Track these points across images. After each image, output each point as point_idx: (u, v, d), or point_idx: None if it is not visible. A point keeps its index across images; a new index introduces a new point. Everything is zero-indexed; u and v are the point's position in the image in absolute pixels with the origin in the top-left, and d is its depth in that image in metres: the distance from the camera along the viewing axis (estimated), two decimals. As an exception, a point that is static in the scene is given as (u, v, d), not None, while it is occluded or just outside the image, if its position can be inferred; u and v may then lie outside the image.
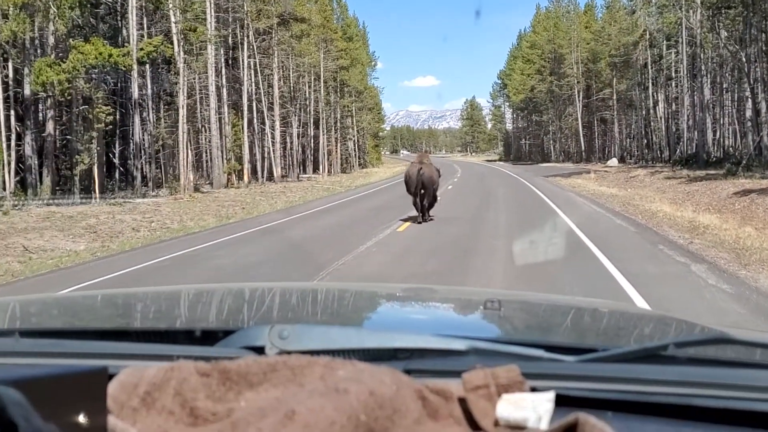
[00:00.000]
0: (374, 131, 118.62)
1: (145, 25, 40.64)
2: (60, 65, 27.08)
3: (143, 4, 36.03)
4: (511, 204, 26.84)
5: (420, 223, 19.52)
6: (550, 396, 1.09)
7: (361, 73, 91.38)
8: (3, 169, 28.98)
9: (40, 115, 30.12)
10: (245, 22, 47.93)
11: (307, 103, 70.21)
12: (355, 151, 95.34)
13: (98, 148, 29.60)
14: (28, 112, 31.48)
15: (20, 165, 33.68)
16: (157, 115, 45.36)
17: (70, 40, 27.83)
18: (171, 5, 36.04)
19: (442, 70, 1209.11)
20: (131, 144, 35.92)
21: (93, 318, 2.33)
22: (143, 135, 37.69)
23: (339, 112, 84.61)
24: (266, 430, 0.92)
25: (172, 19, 36.36)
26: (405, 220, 20.05)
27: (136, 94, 34.68)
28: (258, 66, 51.93)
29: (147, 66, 40.12)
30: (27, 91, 30.02)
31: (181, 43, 36.05)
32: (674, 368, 1.35)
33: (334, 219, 23.21)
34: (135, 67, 33.84)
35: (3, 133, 29.79)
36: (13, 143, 30.30)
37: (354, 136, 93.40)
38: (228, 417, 1.01)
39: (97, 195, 29.31)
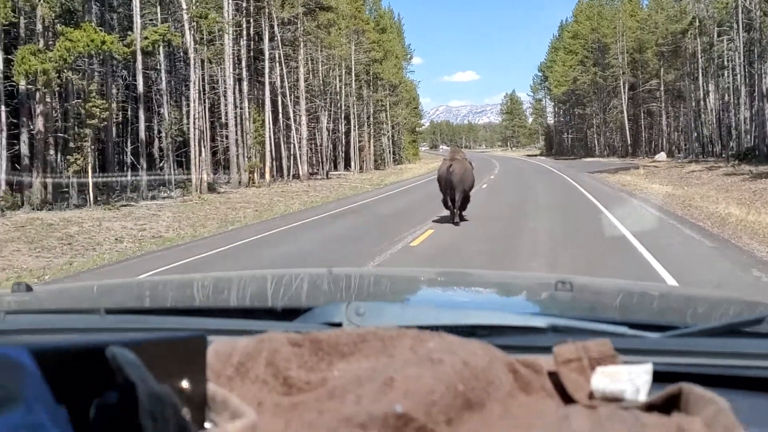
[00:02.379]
0: (411, 126, 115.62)
1: (159, 14, 37.91)
2: (46, 53, 24.20)
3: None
4: (552, 208, 23.27)
5: (457, 224, 17.77)
6: (648, 368, 1.08)
7: (395, 66, 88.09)
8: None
9: (36, 110, 27.25)
10: (266, 10, 44.78)
11: (338, 97, 67.01)
12: (389, 146, 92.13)
13: (93, 147, 26.69)
14: (22, 107, 28.71)
15: (17, 166, 31.08)
16: (178, 109, 42.62)
17: (58, 25, 24.88)
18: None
19: (483, 65, 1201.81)
20: (133, 142, 33.00)
21: (173, 298, 2.42)
22: (153, 131, 34.94)
23: (372, 107, 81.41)
24: (366, 397, 0.93)
25: (183, 5, 33.42)
26: (425, 230, 16.81)
27: (141, 87, 31.77)
28: (282, 58, 48.82)
29: (161, 57, 37.39)
30: (22, 85, 27.27)
31: (192, 32, 33.05)
32: (759, 341, 1.36)
33: (345, 225, 20.06)
34: (139, 57, 30.99)
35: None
36: (3, 142, 27.57)
37: (388, 132, 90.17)
38: (322, 386, 1.02)
39: (91, 198, 26.40)
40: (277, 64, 49.16)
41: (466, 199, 19.20)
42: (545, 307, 2.20)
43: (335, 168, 70.26)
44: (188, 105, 35.56)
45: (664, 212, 20.24)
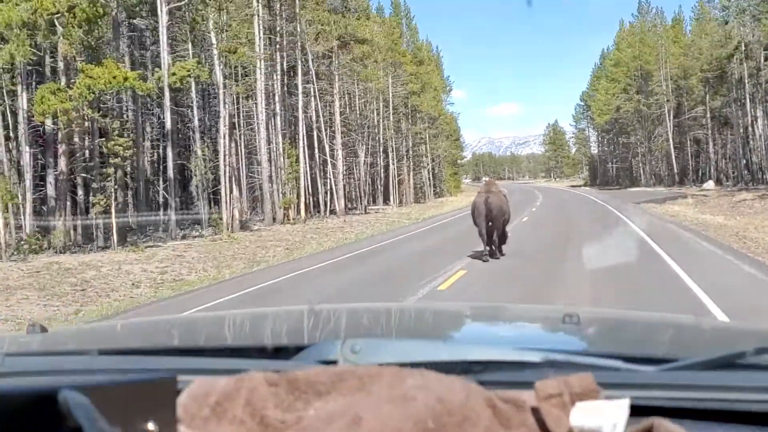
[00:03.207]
0: (452, 159, 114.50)
1: (191, 50, 37.33)
2: (66, 92, 23.50)
3: (176, 25, 32.63)
4: (597, 242, 21.78)
5: (486, 261, 17.08)
6: (625, 403, 1.07)
7: (434, 99, 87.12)
8: (19, 212, 25.69)
9: (59, 150, 26.55)
10: (298, 43, 44.11)
11: (376, 130, 66.08)
12: (429, 179, 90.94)
13: (120, 186, 25.86)
14: (48, 148, 28.11)
15: (44, 208, 30.50)
16: (213, 146, 42.02)
17: (78, 62, 24.20)
18: (211, 24, 32.41)
19: (525, 96, 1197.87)
20: (165, 180, 32.22)
21: (170, 338, 2.39)
22: (190, 169, 34.22)
23: (411, 140, 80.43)
24: None
25: (213, 40, 32.76)
26: (457, 269, 15.53)
27: (169, 124, 31.03)
28: (317, 92, 48.06)
29: (192, 93, 36.79)
30: (48, 125, 26.67)
31: (221, 67, 32.33)
32: (756, 374, 1.34)
33: (373, 266, 18.79)
34: (167, 93, 30.28)
35: (25, 172, 26.67)
36: (29, 183, 26.94)
37: (428, 164, 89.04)
38: (297, 425, 1.03)
39: (115, 240, 25.54)
40: (313, 98, 48.46)
41: (503, 233, 18.50)
42: (546, 341, 2.24)
43: (374, 202, 69.24)
44: (217, 142, 34.73)
45: (719, 246, 18.71)
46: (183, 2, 32.67)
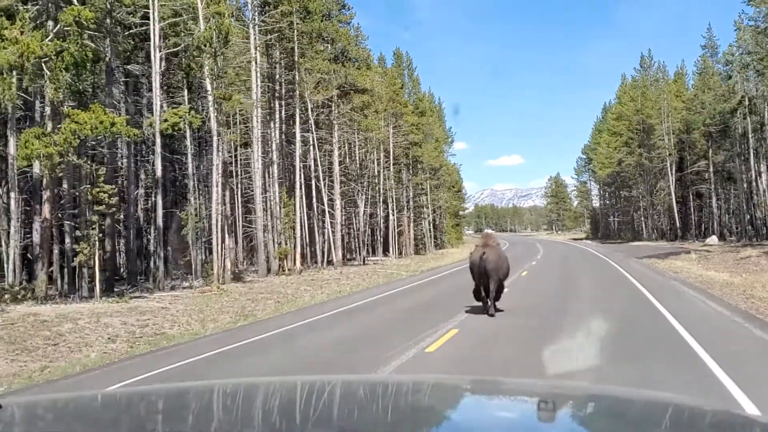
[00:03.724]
0: (454, 210, 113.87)
1: (187, 96, 36.77)
2: (51, 137, 22.79)
3: (173, 71, 32.12)
4: (598, 302, 20.81)
5: (492, 316, 16.79)
6: None
7: (436, 150, 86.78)
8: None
9: (43, 197, 25.76)
10: (297, 92, 43.64)
11: (376, 180, 65.44)
12: (430, 231, 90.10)
13: (100, 235, 24.99)
14: (35, 195, 27.32)
15: (30, 256, 29.65)
16: (209, 195, 41.31)
17: (63, 107, 23.54)
18: (207, 71, 31.87)
19: (527, 148, 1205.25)
20: (155, 229, 31.39)
21: (119, 418, 2.41)
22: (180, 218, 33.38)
23: (412, 190, 79.81)
24: None
25: (208, 87, 32.22)
26: (449, 328, 14.62)
27: (159, 171, 30.25)
28: (315, 141, 47.51)
29: (187, 141, 36.17)
30: (36, 170, 25.93)
31: (215, 114, 31.71)
32: None
33: (361, 323, 17.79)
34: (158, 140, 29.62)
35: (11, 219, 25.93)
36: (13, 231, 26.17)
37: (429, 216, 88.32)
38: None
39: (98, 290, 24.61)
40: (312, 147, 47.89)
41: (500, 288, 17.95)
42: (512, 428, 2.28)
43: (373, 253, 68.36)
44: (210, 190, 33.90)
45: (725, 306, 17.77)
46: (178, 49, 32.21)
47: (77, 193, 25.96)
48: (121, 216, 39.11)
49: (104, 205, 24.21)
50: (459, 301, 20.24)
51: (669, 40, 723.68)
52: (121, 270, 41.35)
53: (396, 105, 67.25)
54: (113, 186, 24.84)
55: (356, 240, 62.21)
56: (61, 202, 27.70)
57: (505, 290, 21.15)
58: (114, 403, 2.86)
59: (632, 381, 9.18)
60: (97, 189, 23.79)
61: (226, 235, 33.60)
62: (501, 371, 10.16)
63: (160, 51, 29.84)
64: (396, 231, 71.79)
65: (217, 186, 31.74)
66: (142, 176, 37.83)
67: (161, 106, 32.74)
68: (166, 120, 29.22)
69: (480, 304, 17.83)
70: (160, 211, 30.13)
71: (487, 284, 17.39)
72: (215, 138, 31.75)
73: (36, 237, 26.82)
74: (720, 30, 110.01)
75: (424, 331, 14.24)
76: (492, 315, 16.91)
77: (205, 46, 30.94)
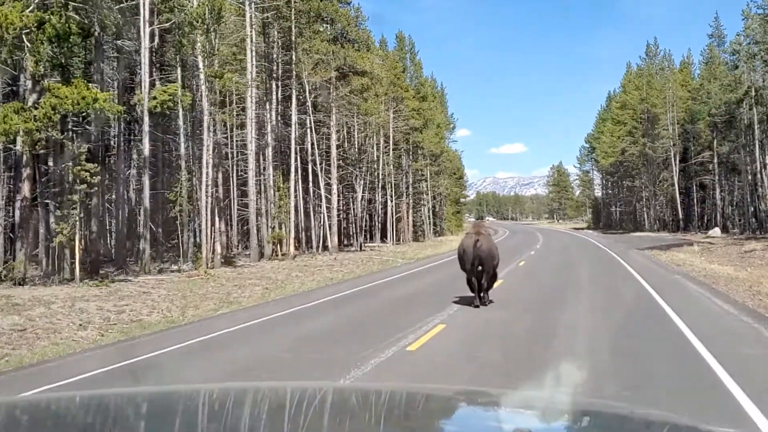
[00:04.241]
0: (454, 197, 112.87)
1: (179, 74, 35.69)
2: (31, 112, 21.81)
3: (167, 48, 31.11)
4: (597, 295, 19.82)
5: (477, 306, 16.23)
6: None
7: (437, 136, 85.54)
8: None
9: (23, 175, 24.76)
10: (293, 72, 42.56)
11: (375, 166, 64.33)
12: (429, 217, 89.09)
13: (82, 215, 24.05)
14: (19, 172, 26.33)
15: (11, 235, 28.74)
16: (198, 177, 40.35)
17: (44, 81, 22.54)
18: (199, 48, 30.82)
19: (530, 137, 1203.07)
20: (142, 210, 30.37)
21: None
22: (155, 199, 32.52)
23: (411, 176, 78.72)
24: None
25: (200, 65, 31.18)
26: (437, 323, 13.69)
27: (147, 150, 29.18)
28: (312, 123, 46.45)
29: (180, 121, 35.15)
30: (18, 147, 24.96)
31: (207, 93, 30.69)
32: None
33: (346, 314, 16.80)
34: (146, 118, 28.60)
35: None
36: (-6, 209, 25.24)
37: (428, 202, 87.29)
38: None
39: (77, 272, 23.69)
40: (309, 131, 46.83)
41: (493, 278, 17.31)
42: None
43: (371, 239, 67.44)
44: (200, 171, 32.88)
45: (732, 303, 16.81)
46: (168, 24, 31.15)
47: (60, 172, 24.96)
48: (112, 196, 38.25)
49: (86, 184, 23.21)
50: (451, 291, 19.42)
51: (676, 30, 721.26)
52: (113, 252, 40.53)
53: (397, 89, 66.11)
54: (96, 164, 23.78)
55: (354, 225, 61.20)
56: (45, 180, 26.73)
57: (500, 281, 20.31)
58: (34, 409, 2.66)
59: (631, 389, 8.25)
60: (79, 167, 22.79)
61: (217, 218, 32.69)
62: (484, 379, 9.21)
63: (149, 26, 28.78)
64: (394, 217, 70.82)
65: (207, 167, 30.75)
66: (135, 156, 36.79)
67: (153, 84, 31.81)
68: (155, 98, 28.23)
69: (470, 294, 17.10)
70: (147, 192, 29.13)
71: (480, 274, 16.69)
72: (206, 117, 30.77)
73: (17, 216, 25.92)
74: (727, 20, 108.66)
75: (410, 326, 13.31)
76: (482, 305, 16.43)
77: (197, 22, 29.93)
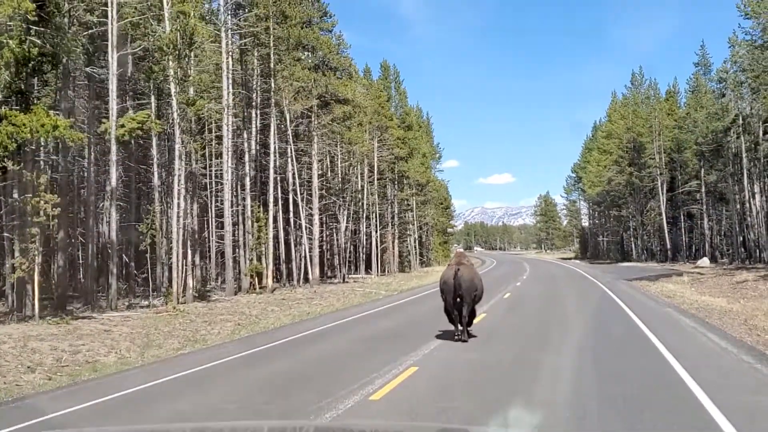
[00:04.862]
0: (441, 227, 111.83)
1: (154, 104, 34.58)
2: (-15, 140, 20.58)
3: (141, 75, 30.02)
4: (584, 332, 18.59)
5: (459, 339, 15.66)
6: None
7: (423, 165, 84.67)
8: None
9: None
10: (272, 99, 41.51)
11: (360, 195, 63.19)
12: (415, 248, 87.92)
13: (41, 249, 22.74)
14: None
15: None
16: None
17: (1, 108, 21.34)
18: (171, 74, 29.73)
19: (518, 167, 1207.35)
20: (108, 244, 29.09)
21: None
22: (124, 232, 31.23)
23: (397, 206, 77.64)
24: None
25: (172, 90, 30.07)
26: (408, 365, 12.45)
27: (113, 181, 27.97)
28: (293, 152, 45.34)
29: (153, 150, 34.00)
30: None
31: (178, 120, 29.56)
32: None
33: (312, 354, 15.40)
34: (113, 147, 27.46)
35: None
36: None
37: (414, 233, 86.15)
38: None
39: (36, 310, 22.33)
40: (289, 160, 45.69)
41: (472, 312, 16.53)
42: None
43: (356, 270, 66.18)
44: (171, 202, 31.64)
45: (729, 340, 15.64)
46: (137, 50, 30.11)
47: (17, 204, 23.69)
48: (82, 230, 36.90)
49: (46, 216, 21.93)
50: (431, 326, 18.39)
51: (661, 61, 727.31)
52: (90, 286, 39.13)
53: (381, 118, 65.24)
54: (56, 195, 22.52)
55: (337, 257, 59.94)
56: (5, 212, 25.43)
57: (483, 315, 19.24)
58: None
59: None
60: (37, 198, 21.54)
61: (190, 251, 31.36)
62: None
63: (117, 51, 27.66)
64: (380, 248, 69.63)
65: (178, 197, 29.53)
66: (108, 187, 35.58)
67: (125, 111, 30.67)
68: (123, 125, 27.03)
69: (452, 328, 16.22)
70: (114, 224, 27.85)
71: (461, 306, 15.81)
72: (177, 146, 29.57)
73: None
74: (713, 49, 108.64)
75: (378, 369, 12.06)
76: (465, 341, 15.54)
77: (169, 48, 28.87)
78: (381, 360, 13.01)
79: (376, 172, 66.02)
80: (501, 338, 16.58)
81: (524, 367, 12.41)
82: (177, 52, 28.95)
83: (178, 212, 29.55)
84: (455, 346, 15.19)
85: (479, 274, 17.22)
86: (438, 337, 16.56)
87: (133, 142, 36.43)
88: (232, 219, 37.25)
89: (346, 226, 59.49)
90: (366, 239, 67.68)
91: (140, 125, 27.25)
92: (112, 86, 27.70)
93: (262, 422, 5.61)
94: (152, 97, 34.18)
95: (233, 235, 37.15)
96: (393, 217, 76.51)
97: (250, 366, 14.15)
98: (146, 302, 30.69)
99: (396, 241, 77.61)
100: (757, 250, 65.10)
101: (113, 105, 27.54)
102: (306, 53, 47.45)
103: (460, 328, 16.03)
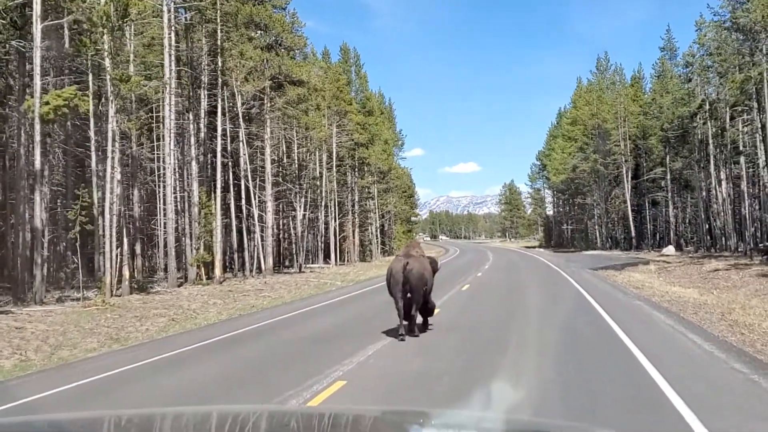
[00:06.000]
0: (405, 216, 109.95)
1: (91, 82, 32.12)
2: None
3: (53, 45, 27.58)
4: (547, 326, 16.63)
5: (401, 338, 14.30)
6: None
7: (385, 152, 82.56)
8: None
9: None
10: (219, 79, 39.16)
11: (318, 183, 60.96)
12: (377, 237, 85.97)
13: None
14: None
15: None
16: (125, 192, 36.63)
17: None
18: (106, 49, 27.39)
19: (484, 156, 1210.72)
20: (31, 231, 26.69)
21: None
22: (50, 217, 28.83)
23: (357, 194, 75.59)
24: None
25: (107, 65, 27.72)
26: (334, 381, 10.39)
27: (38, 163, 25.66)
28: (244, 136, 43.05)
29: (91, 132, 31.54)
30: None
31: (112, 98, 27.21)
32: None
33: (237, 357, 13.30)
34: (38, 126, 25.06)
35: None
36: None
37: (376, 221, 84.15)
38: None
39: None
40: (241, 144, 43.39)
41: (426, 304, 15.52)
42: None
43: (314, 260, 63.97)
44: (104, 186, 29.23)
45: (710, 339, 13.84)
46: (63, 21, 27.68)
47: None
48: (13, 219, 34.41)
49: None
50: (379, 324, 16.65)
51: (626, 50, 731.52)
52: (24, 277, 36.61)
53: (340, 102, 63.11)
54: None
55: (294, 246, 57.76)
56: None
57: (437, 311, 17.37)
58: None
59: None
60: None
61: (125, 239, 29.05)
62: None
63: (41, 22, 25.25)
64: (339, 237, 67.59)
65: (111, 181, 27.22)
66: (32, 169, 33.07)
67: (47, 88, 28.25)
68: (47, 103, 24.66)
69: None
70: (37, 210, 25.57)
71: (410, 300, 14.53)
72: (110, 126, 27.27)
73: None
74: (679, 34, 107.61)
75: (298, 383, 9.99)
76: (413, 336, 14.68)
77: (101, 20, 26.52)
78: (304, 371, 10.95)
79: (335, 158, 63.89)
80: (452, 340, 14.58)
81: (476, 375, 10.39)
82: (110, 25, 26.59)
83: (112, 198, 27.24)
84: (399, 349, 13.25)
85: (429, 268, 15.30)
86: (382, 337, 14.67)
87: (69, 124, 34.05)
88: (177, 206, 34.93)
89: (304, 215, 57.32)
90: (324, 228, 65.54)
91: (66, 102, 24.87)
92: (36, 60, 25.30)
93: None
94: (89, 75, 31.73)
95: (176, 222, 34.83)
96: (353, 205, 74.51)
97: (161, 373, 12.22)
98: (79, 294, 28.38)
99: (357, 229, 75.64)
100: (723, 238, 64.13)
101: (37, 81, 25.13)
102: (258, 32, 45.06)
103: (404, 323, 14.64)
